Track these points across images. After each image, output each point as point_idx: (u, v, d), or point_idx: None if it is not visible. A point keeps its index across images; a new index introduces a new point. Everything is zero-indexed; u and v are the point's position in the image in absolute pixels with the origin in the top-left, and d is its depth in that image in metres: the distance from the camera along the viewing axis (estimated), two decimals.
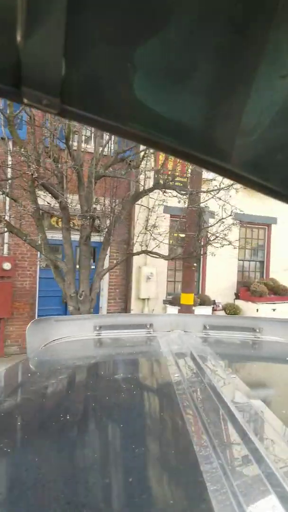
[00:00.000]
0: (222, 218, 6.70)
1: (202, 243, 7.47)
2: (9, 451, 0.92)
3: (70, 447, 0.96)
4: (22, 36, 0.31)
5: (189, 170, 7.50)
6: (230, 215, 6.85)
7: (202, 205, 7.57)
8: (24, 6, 0.30)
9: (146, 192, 6.03)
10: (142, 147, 5.63)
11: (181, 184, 7.41)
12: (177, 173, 7.69)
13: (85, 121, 0.36)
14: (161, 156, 7.15)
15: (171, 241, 8.66)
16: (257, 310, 10.28)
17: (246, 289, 10.67)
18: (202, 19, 0.32)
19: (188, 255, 7.20)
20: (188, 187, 7.10)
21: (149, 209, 6.86)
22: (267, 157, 0.41)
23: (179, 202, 6.58)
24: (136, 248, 7.17)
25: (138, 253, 6.37)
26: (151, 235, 6.74)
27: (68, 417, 1.12)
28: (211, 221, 7.50)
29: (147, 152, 5.91)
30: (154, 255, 6.31)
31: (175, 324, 2.29)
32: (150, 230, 6.67)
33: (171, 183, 6.09)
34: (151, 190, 6.03)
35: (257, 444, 0.86)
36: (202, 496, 0.70)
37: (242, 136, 0.38)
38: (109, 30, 0.32)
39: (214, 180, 7.17)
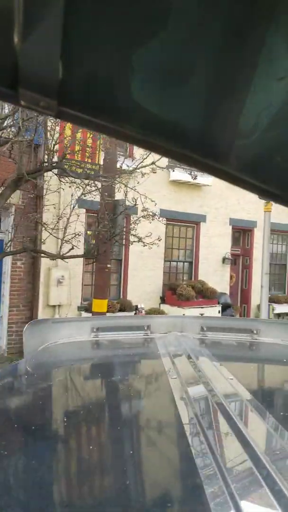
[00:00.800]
0: (143, 212, 5.67)
1: (117, 241, 6.37)
2: (5, 453, 0.91)
3: (67, 450, 0.96)
4: (19, 38, 0.31)
5: (102, 155, 6.39)
6: (145, 210, 5.82)
7: (120, 197, 6.51)
8: (21, 8, 0.29)
9: (33, 174, 4.82)
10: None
11: (91, 172, 6.25)
12: (87, 159, 6.53)
13: (82, 122, 0.36)
14: (67, 127, 5.91)
15: (90, 237, 7.48)
16: (184, 315, 9.40)
17: (173, 293, 9.79)
18: (200, 21, 0.32)
19: (87, 254, 6.09)
20: (100, 173, 5.98)
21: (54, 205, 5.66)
22: (265, 159, 0.41)
23: (95, 195, 5.47)
24: (47, 247, 5.94)
25: (17, 252, 5.15)
26: (62, 231, 5.56)
27: (65, 419, 1.14)
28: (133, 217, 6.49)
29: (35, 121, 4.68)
30: (44, 255, 5.12)
31: (173, 326, 2.27)
32: (56, 226, 5.49)
33: (72, 166, 4.92)
34: (38, 172, 4.84)
35: (254, 446, 0.85)
36: (200, 499, 0.70)
37: (240, 138, 0.38)
38: (106, 32, 0.32)
39: (137, 170, 6.11)
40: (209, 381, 1.32)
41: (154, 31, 0.32)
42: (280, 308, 11.47)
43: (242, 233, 12.02)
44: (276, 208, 12.04)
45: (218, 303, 10.27)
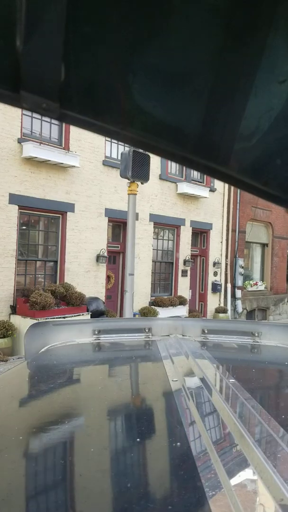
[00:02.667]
0: None
1: None
2: (6, 456, 0.93)
3: (68, 452, 0.98)
4: (21, 40, 0.31)
5: None
6: None
7: None
8: (23, 11, 0.30)
9: None
10: None
11: None
12: None
13: (83, 125, 0.36)
14: None
15: None
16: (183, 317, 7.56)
17: (26, 300, 7.71)
18: (201, 25, 0.33)
19: None
20: None
21: None
22: (265, 161, 0.41)
23: None
24: None
25: None
26: None
27: (66, 422, 1.14)
28: None
29: None
30: None
31: (174, 328, 2.24)
32: None
33: None
34: None
35: (256, 449, 0.86)
36: (201, 501, 0.71)
37: (241, 140, 0.38)
38: (108, 35, 0.32)
39: None
40: (210, 383, 1.34)
41: (155, 34, 0.32)
42: (164, 312, 10.07)
43: (122, 226, 10.37)
44: (161, 198, 10.66)
45: (88, 311, 8.44)
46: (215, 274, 12.81)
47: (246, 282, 14.10)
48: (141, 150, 6.88)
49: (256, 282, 14.55)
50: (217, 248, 12.88)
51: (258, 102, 0.36)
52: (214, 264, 12.74)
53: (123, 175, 5.84)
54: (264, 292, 14.77)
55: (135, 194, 5.99)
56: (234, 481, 0.75)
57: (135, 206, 6.04)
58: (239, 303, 13.27)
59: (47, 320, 4.97)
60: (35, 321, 7.33)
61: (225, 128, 0.37)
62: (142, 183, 6.09)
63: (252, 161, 0.40)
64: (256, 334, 2.18)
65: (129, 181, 5.92)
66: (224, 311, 12.63)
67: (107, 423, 1.15)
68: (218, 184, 12.67)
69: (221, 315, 12.43)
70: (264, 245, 15.13)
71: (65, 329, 2.11)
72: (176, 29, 0.32)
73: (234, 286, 13.25)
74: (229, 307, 12.95)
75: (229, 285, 13.10)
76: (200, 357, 1.70)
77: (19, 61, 0.31)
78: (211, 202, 12.48)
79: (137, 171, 5.78)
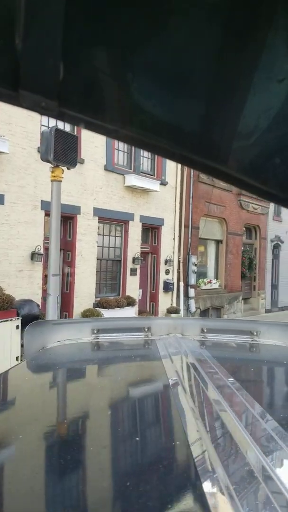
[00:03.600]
0: None
1: None
2: (6, 456, 0.93)
3: (67, 451, 0.96)
4: (20, 39, 0.31)
5: None
6: None
7: None
8: (23, 9, 0.30)
9: None
10: None
11: None
12: None
13: (83, 124, 0.36)
14: None
15: None
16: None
17: None
18: (200, 24, 0.33)
19: None
20: None
21: None
22: (264, 160, 0.41)
23: None
24: None
25: None
26: None
27: (65, 421, 1.15)
28: None
29: None
30: None
31: (173, 328, 2.24)
32: None
33: None
34: None
35: (255, 448, 0.86)
36: (200, 500, 0.70)
37: (240, 139, 0.38)
38: (107, 34, 0.32)
39: None
40: (209, 382, 1.34)
41: (154, 33, 0.32)
42: (110, 314, 9.27)
43: (62, 220, 9.43)
44: (107, 190, 9.80)
45: (18, 315, 7.46)
46: (167, 272, 12.14)
47: (200, 280, 13.56)
48: (67, 129, 6.02)
49: (210, 280, 14.05)
50: (169, 245, 12.21)
51: (257, 101, 0.36)
52: (166, 261, 12.07)
53: (43, 158, 4.94)
54: (218, 290, 14.31)
55: (60, 181, 5.09)
56: (234, 481, 0.74)
57: (60, 195, 5.16)
58: (192, 302, 12.69)
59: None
60: None
61: (224, 127, 0.37)
62: (68, 169, 5.21)
63: (251, 160, 0.41)
64: (255, 333, 2.16)
65: (52, 166, 5.02)
66: (176, 311, 11.99)
67: (106, 422, 1.14)
68: (170, 177, 12.00)
69: (172, 315, 11.76)
70: (218, 242, 14.66)
71: (65, 328, 2.11)
72: (175, 28, 0.32)
73: (187, 285, 12.65)
74: (181, 306, 12.34)
75: (181, 284, 12.48)
76: (199, 356, 1.70)
77: (17, 59, 0.32)
78: (162, 196, 11.78)
79: (61, 154, 4.88)
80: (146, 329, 2.16)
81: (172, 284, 12.15)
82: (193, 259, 12.73)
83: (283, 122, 0.38)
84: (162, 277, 12.01)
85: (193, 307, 12.65)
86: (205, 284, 13.69)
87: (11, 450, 0.95)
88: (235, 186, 0.43)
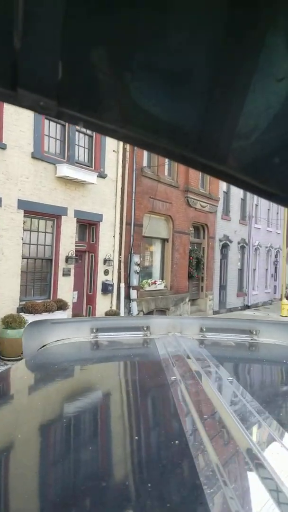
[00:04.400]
0: None
1: None
2: (5, 455, 0.93)
3: (67, 452, 0.97)
4: (19, 39, 0.31)
5: None
6: None
7: None
8: (21, 8, 0.30)
9: None
10: None
11: None
12: None
13: (81, 123, 0.36)
14: None
15: None
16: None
17: None
18: (200, 23, 0.33)
19: None
20: None
21: None
22: (264, 160, 0.41)
23: None
24: None
25: None
26: None
27: (64, 421, 1.14)
28: None
29: None
30: None
31: (172, 327, 2.23)
32: None
33: None
34: None
35: (254, 448, 0.86)
36: (199, 499, 0.70)
37: (239, 139, 0.38)
38: (106, 33, 0.32)
39: None
40: (208, 381, 1.34)
41: (153, 32, 0.33)
42: (35, 319, 8.20)
43: None
44: (35, 181, 8.71)
45: None
46: (106, 272, 11.20)
47: (144, 281, 12.73)
48: None
49: (155, 281, 13.26)
50: (109, 243, 11.27)
51: (256, 100, 0.36)
52: (105, 261, 11.11)
53: None
54: (163, 291, 13.55)
55: None
56: (234, 481, 0.74)
57: None
58: (134, 305, 11.83)
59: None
60: None
61: (223, 126, 0.37)
62: None
63: (250, 159, 0.41)
64: (254, 332, 2.15)
65: None
66: (116, 314, 11.06)
67: (106, 421, 1.14)
68: (110, 170, 11.06)
69: None
70: (164, 241, 13.91)
71: (63, 327, 2.10)
72: (174, 27, 0.32)
73: (128, 286, 11.77)
74: (122, 310, 11.44)
75: (122, 285, 11.58)
76: (198, 355, 1.70)
77: (16, 59, 0.32)
78: (101, 189, 10.81)
79: None
80: (145, 328, 2.14)
81: (112, 285, 11.22)
82: (136, 259, 11.88)
83: (283, 122, 0.38)
84: (101, 278, 11.05)
85: (135, 310, 11.79)
86: (149, 285, 12.89)
87: (9, 450, 0.95)
88: (235, 185, 0.43)
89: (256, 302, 20.27)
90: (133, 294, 11.85)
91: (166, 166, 13.48)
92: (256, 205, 20.09)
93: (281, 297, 21.47)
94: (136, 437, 1.00)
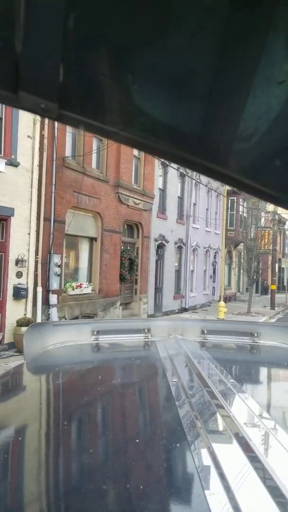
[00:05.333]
0: None
1: None
2: (6, 457, 0.93)
3: (67, 454, 0.97)
4: (20, 41, 0.31)
5: None
6: None
7: None
8: (22, 11, 0.30)
9: None
10: None
11: None
12: None
13: (82, 126, 0.37)
14: None
15: None
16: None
17: None
18: (200, 26, 0.33)
19: None
20: None
21: None
22: (264, 162, 0.41)
23: None
24: None
25: None
26: None
27: (65, 423, 1.14)
28: None
29: None
30: None
31: (173, 329, 2.24)
32: None
33: None
34: None
35: (256, 449, 0.85)
36: (200, 500, 0.70)
37: (240, 141, 0.38)
38: (107, 36, 0.32)
39: None
40: (210, 384, 1.32)
41: (154, 35, 0.33)
42: None
43: None
44: None
45: None
46: (19, 275, 9.78)
47: (68, 284, 11.45)
48: None
49: (81, 284, 12.01)
50: (22, 241, 9.86)
51: (257, 103, 0.36)
52: (18, 262, 9.70)
53: None
54: (91, 295, 12.33)
55: None
56: (234, 483, 0.73)
57: None
58: (54, 311, 10.51)
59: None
60: None
61: (224, 129, 0.38)
62: None
63: (251, 161, 0.41)
64: (256, 335, 2.14)
65: None
66: (30, 323, 9.67)
67: (107, 424, 1.13)
68: (24, 158, 9.66)
69: (24, 329, 9.44)
70: (92, 240, 12.70)
71: (64, 329, 2.09)
72: (175, 29, 0.32)
73: (47, 290, 10.43)
74: (39, 317, 10.07)
75: (40, 289, 10.22)
76: (199, 358, 1.71)
77: (17, 61, 0.32)
78: (12, 179, 9.39)
79: None
80: (146, 331, 2.13)
81: (26, 289, 9.82)
82: (56, 259, 10.56)
83: (283, 124, 0.38)
84: (12, 281, 9.61)
85: (55, 317, 10.47)
86: (74, 289, 11.61)
87: (11, 452, 0.94)
88: (236, 187, 0.43)
89: (194, 304, 19.62)
90: (53, 299, 10.52)
91: (94, 158, 12.30)
92: (194, 204, 19.45)
93: (219, 299, 21.09)
94: (137, 440, 1.00)
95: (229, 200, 23.46)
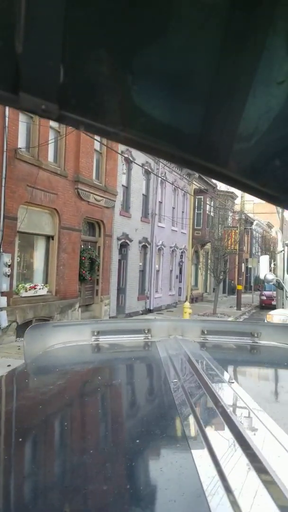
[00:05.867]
0: None
1: None
2: (6, 458, 0.92)
3: (68, 454, 0.97)
4: (20, 42, 0.31)
5: None
6: None
7: None
8: (23, 12, 0.30)
9: None
10: None
11: None
12: None
13: (82, 126, 0.37)
14: None
15: None
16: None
17: None
18: (200, 27, 0.33)
19: None
20: None
21: None
22: (264, 162, 0.41)
23: None
24: None
25: None
26: None
27: (66, 424, 1.16)
28: None
29: None
30: None
31: (173, 330, 2.24)
32: None
33: None
34: None
35: (256, 450, 0.85)
36: (200, 501, 0.70)
37: (240, 142, 0.39)
38: (107, 37, 0.33)
39: None
40: (210, 384, 1.32)
41: (154, 35, 0.33)
42: None
43: None
44: None
45: None
46: None
47: (20, 285, 10.64)
48: None
49: (35, 285, 11.21)
50: None
51: (257, 103, 0.36)
52: None
53: None
54: (46, 297, 11.57)
55: None
56: (235, 483, 0.73)
57: None
58: (3, 314, 9.70)
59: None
60: None
61: (224, 129, 0.38)
62: None
63: (251, 162, 0.41)
64: (256, 335, 2.13)
65: None
66: None
67: (107, 424, 1.13)
68: None
69: None
70: (48, 238, 11.92)
71: (65, 330, 2.09)
72: (175, 30, 0.32)
73: None
74: None
75: None
76: (200, 358, 1.70)
77: (18, 62, 0.32)
78: None
79: None
80: (146, 331, 2.13)
81: None
82: (6, 259, 9.74)
83: (283, 124, 0.38)
84: None
85: (4, 321, 9.66)
86: (27, 291, 10.81)
87: (11, 453, 0.94)
88: (236, 188, 0.43)
89: (159, 306, 19.12)
90: (2, 301, 9.71)
91: (51, 150, 11.53)
92: (160, 202, 18.93)
93: (186, 299, 20.71)
94: (137, 441, 1.00)
95: (196, 199, 23.13)
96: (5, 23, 0.30)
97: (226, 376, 1.51)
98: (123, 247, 15.92)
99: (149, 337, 2.11)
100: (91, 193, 13.17)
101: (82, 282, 13.34)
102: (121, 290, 15.87)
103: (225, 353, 2.15)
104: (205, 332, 2.19)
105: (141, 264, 17.62)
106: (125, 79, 0.34)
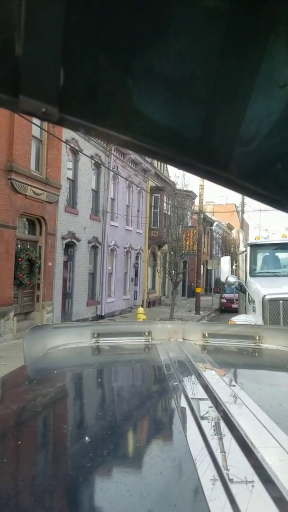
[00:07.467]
0: None
1: None
2: (5, 461, 0.93)
3: (67, 457, 0.97)
4: (20, 45, 0.31)
5: None
6: None
7: None
8: (23, 15, 0.30)
9: None
10: None
11: None
12: None
13: (83, 129, 0.36)
14: None
15: None
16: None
17: None
18: (201, 30, 0.33)
19: None
20: None
21: None
22: (265, 166, 0.41)
23: None
24: None
25: None
26: None
27: (65, 427, 1.14)
28: None
29: None
30: None
31: (174, 332, 2.23)
32: None
33: None
34: None
35: (257, 453, 0.86)
36: (200, 504, 0.70)
37: (241, 145, 0.39)
38: (107, 40, 0.33)
39: None
40: (211, 387, 1.32)
41: (155, 39, 0.33)
42: None
43: None
44: None
45: None
46: None
47: None
48: None
49: None
50: None
51: (258, 107, 0.36)
52: None
53: None
54: None
55: None
56: (236, 487, 0.73)
57: None
58: None
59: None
60: None
61: (225, 133, 0.38)
62: None
63: (252, 165, 0.41)
64: (258, 338, 2.14)
65: None
66: None
67: (107, 427, 1.13)
68: None
69: None
70: None
71: (65, 332, 2.09)
72: (176, 34, 0.33)
73: None
74: None
75: None
76: (200, 361, 1.71)
77: (18, 65, 0.32)
78: None
79: None
80: (146, 334, 2.13)
81: None
82: None
83: (284, 128, 0.38)
84: None
85: None
86: None
87: (11, 456, 0.94)
88: (237, 191, 0.43)
89: (112, 311, 17.62)
90: None
91: None
92: (113, 199, 17.49)
93: (142, 303, 19.37)
94: (138, 444, 1.00)
95: (153, 197, 21.89)
96: (5, 26, 0.30)
97: (227, 379, 1.51)
98: (70, 247, 14.32)
99: (150, 340, 2.11)
100: (29, 185, 11.51)
101: (19, 287, 11.65)
102: (67, 295, 14.25)
103: (227, 356, 2.12)
104: (206, 335, 2.17)
105: (91, 266, 16.07)
106: (126, 82, 0.34)
